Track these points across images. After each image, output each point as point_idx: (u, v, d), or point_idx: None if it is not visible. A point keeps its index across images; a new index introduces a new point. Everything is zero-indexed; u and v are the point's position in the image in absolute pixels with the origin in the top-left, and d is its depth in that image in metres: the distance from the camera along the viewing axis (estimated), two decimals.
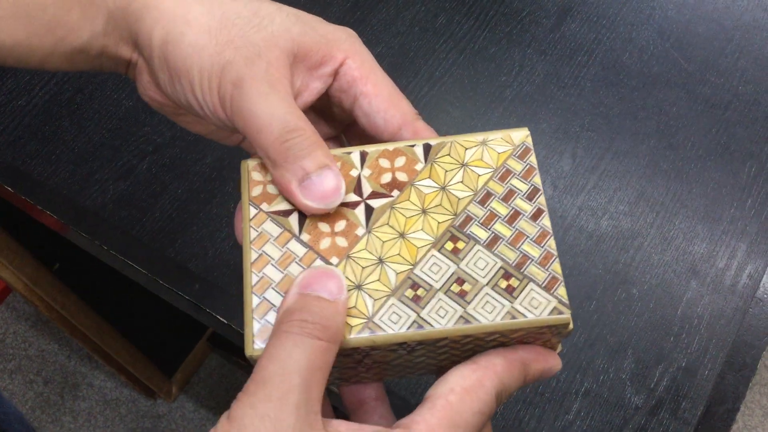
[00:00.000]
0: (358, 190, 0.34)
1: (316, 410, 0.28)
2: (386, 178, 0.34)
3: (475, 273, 0.32)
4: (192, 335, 1.51)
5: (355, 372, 0.35)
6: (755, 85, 0.70)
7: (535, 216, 0.33)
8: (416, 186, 0.34)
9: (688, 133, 0.68)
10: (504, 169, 0.34)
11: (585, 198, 0.65)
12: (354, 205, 0.34)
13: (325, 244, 0.33)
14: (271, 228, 0.33)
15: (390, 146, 0.35)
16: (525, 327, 0.31)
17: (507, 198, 0.33)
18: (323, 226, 0.33)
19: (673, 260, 0.62)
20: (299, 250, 0.33)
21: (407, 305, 0.31)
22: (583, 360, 0.59)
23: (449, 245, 0.32)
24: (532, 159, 0.34)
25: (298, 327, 0.29)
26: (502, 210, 0.33)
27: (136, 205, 0.65)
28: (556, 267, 0.32)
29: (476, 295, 0.31)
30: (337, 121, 0.40)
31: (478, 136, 0.35)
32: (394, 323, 0.31)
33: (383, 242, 0.33)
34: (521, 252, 0.32)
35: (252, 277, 0.32)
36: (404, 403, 0.57)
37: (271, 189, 0.34)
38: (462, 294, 0.31)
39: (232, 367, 1.56)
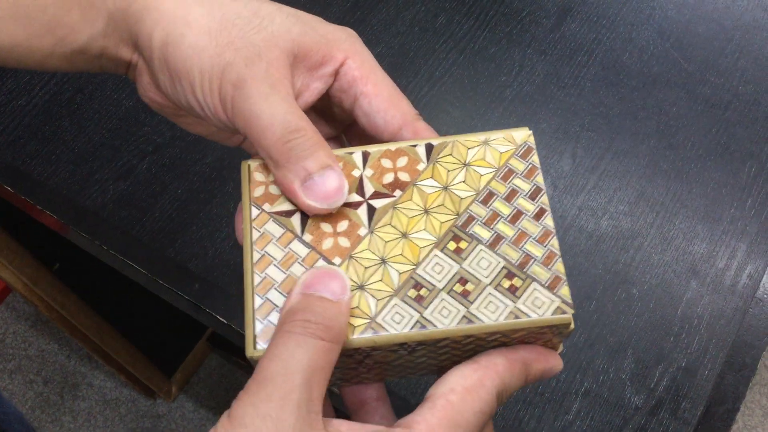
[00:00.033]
0: (360, 190, 0.34)
1: (318, 410, 0.28)
2: (388, 178, 0.34)
3: (477, 273, 0.32)
4: (192, 335, 1.51)
5: (356, 372, 0.35)
6: (755, 85, 0.70)
7: (538, 215, 0.33)
8: (418, 186, 0.34)
9: (688, 133, 0.68)
10: (506, 169, 0.34)
11: (585, 198, 0.65)
12: (356, 205, 0.34)
13: (327, 244, 0.33)
14: (274, 228, 0.33)
15: (392, 146, 0.35)
16: (528, 327, 0.31)
17: (509, 198, 0.33)
18: (325, 227, 0.33)
19: (673, 260, 0.62)
20: (302, 250, 0.33)
21: (410, 305, 0.31)
22: (583, 360, 0.59)
23: (452, 245, 0.32)
24: (535, 158, 0.34)
25: (301, 327, 0.29)
26: (505, 210, 0.33)
27: (136, 205, 0.65)
28: (559, 266, 0.32)
29: (479, 294, 0.31)
30: (337, 121, 0.40)
31: (480, 136, 0.35)
32: (397, 323, 0.31)
33: (386, 242, 0.33)
34: (524, 252, 0.32)
35: (254, 278, 0.32)
36: (404, 404, 0.57)
37: (274, 189, 0.34)
38: (465, 294, 0.31)
39: (232, 367, 1.56)
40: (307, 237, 0.33)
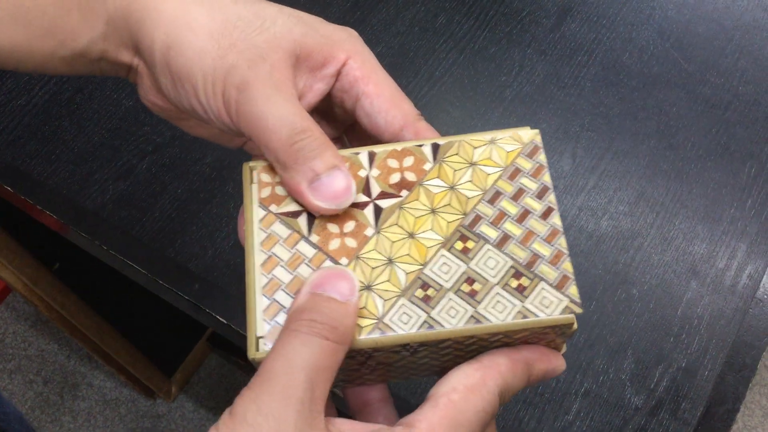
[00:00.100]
0: (366, 190, 0.34)
1: (320, 409, 0.28)
2: (395, 178, 0.34)
3: (485, 272, 0.32)
4: (192, 335, 1.51)
5: (359, 374, 0.35)
6: (755, 85, 0.70)
7: (545, 214, 0.33)
8: (425, 186, 0.34)
9: (688, 133, 0.68)
10: (513, 168, 0.34)
11: (585, 198, 0.65)
12: (363, 205, 0.33)
13: (334, 245, 0.33)
14: (280, 229, 0.33)
15: (398, 146, 0.35)
16: (534, 327, 0.31)
17: (516, 197, 0.33)
18: (332, 227, 0.33)
19: (673, 260, 0.62)
20: (308, 251, 0.33)
21: (418, 305, 0.31)
22: (583, 360, 0.59)
23: (459, 245, 0.32)
24: (542, 157, 0.34)
25: (307, 326, 0.29)
26: (512, 209, 0.33)
27: (136, 205, 0.65)
28: (567, 266, 0.32)
29: (487, 294, 0.31)
30: (338, 121, 0.40)
31: (487, 135, 0.35)
32: (405, 323, 0.31)
33: (392, 242, 0.32)
34: (531, 251, 0.32)
35: (261, 279, 0.32)
36: (404, 404, 0.57)
37: (280, 190, 0.34)
38: (472, 294, 0.31)
39: (232, 367, 1.56)
40: (314, 238, 0.33)
